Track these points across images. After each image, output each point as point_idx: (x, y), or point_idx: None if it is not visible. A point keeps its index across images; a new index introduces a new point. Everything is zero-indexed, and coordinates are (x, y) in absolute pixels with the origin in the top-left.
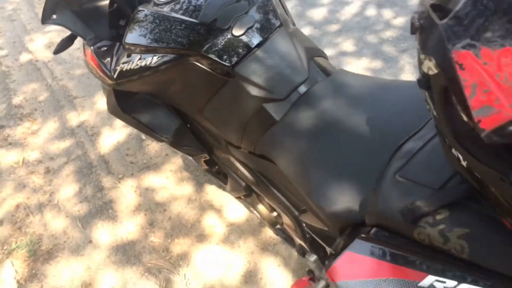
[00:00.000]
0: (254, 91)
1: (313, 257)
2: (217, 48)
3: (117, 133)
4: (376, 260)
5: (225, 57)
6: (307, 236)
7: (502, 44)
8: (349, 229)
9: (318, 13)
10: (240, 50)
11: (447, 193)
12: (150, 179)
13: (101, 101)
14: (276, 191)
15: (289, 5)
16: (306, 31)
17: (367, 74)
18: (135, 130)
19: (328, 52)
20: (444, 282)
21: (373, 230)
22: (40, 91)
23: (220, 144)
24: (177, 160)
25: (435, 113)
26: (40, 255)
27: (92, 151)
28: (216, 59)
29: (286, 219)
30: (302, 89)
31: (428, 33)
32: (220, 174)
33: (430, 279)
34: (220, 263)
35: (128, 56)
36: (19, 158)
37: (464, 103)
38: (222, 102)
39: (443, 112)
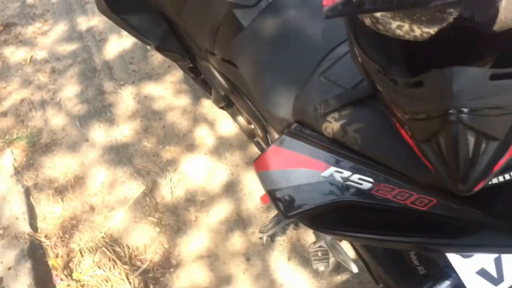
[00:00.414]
0: None
1: None
2: None
3: (123, 41)
4: (291, 152)
5: None
6: None
7: None
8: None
9: None
10: None
11: (354, 91)
12: (150, 88)
13: None
14: (248, 100)
15: None
16: None
17: None
18: None
19: None
20: (341, 172)
21: (294, 125)
22: None
23: (201, 51)
24: (178, 73)
25: None
26: (39, 147)
27: (98, 56)
28: None
29: (257, 130)
30: None
31: None
32: (206, 84)
33: (331, 170)
34: (205, 171)
35: None
36: (27, 56)
37: None
38: (196, 5)
39: None
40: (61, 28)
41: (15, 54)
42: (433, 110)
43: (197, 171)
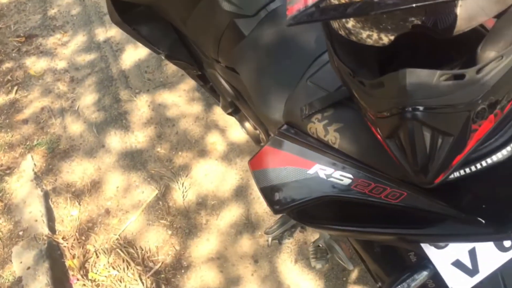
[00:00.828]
0: (226, 6)
1: None
2: None
3: (139, 51)
4: (281, 152)
5: None
6: None
7: None
8: None
9: None
10: None
11: (335, 94)
12: (164, 96)
13: None
14: (251, 106)
15: None
16: None
17: None
18: None
19: None
20: (325, 169)
21: (284, 126)
22: (73, 6)
23: (207, 59)
24: (190, 81)
25: None
26: (58, 153)
27: (114, 66)
28: None
29: (261, 134)
30: (271, 7)
31: None
32: (214, 91)
33: (316, 167)
34: (216, 176)
35: None
36: (47, 66)
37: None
38: (200, 15)
39: None
40: (80, 39)
41: (36, 64)
42: (393, 108)
43: (208, 176)
